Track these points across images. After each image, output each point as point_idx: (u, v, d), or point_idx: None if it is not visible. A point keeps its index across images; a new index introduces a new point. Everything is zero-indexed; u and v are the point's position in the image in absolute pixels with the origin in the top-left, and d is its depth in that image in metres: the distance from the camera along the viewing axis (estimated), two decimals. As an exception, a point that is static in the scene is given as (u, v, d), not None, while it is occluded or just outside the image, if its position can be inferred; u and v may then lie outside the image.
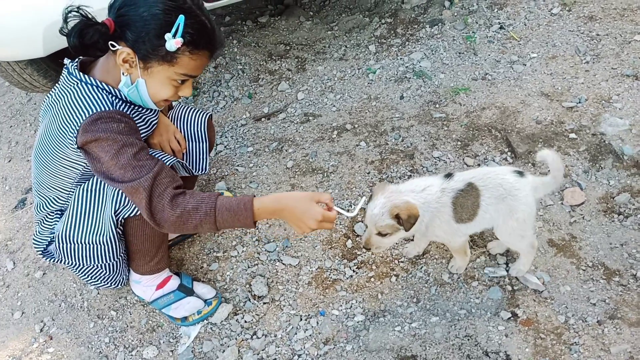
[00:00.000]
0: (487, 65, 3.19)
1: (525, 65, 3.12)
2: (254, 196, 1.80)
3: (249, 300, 2.32)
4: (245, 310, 2.30)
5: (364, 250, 2.40)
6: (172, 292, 2.28)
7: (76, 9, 1.68)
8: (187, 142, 2.36)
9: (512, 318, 2.10)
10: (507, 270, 2.24)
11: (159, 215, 1.75)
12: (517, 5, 3.51)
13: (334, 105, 3.16)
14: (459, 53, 3.30)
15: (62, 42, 2.66)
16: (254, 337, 2.21)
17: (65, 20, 1.68)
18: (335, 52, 3.55)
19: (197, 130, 2.39)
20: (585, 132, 2.67)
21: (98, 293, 2.43)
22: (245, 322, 2.26)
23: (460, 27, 3.46)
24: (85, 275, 2.15)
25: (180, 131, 2.34)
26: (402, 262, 2.36)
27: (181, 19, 1.66)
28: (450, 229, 2.02)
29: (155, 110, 2.06)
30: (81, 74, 1.84)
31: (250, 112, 3.25)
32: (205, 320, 2.27)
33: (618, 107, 2.74)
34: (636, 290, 2.14)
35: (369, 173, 2.72)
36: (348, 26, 3.74)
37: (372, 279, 2.31)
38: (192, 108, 2.41)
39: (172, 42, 1.67)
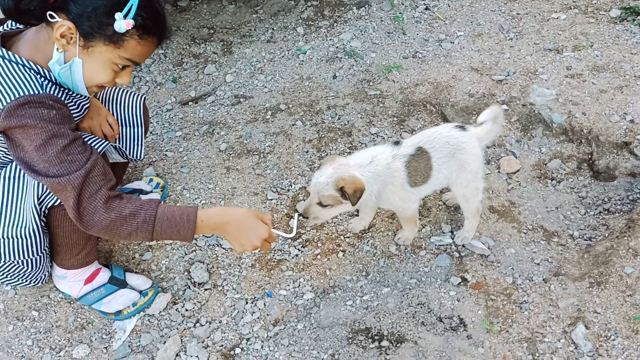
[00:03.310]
0: (416, 43, 3.21)
1: (453, 43, 3.17)
2: (198, 207, 1.67)
3: (189, 287, 2.16)
4: (185, 298, 2.13)
5: (308, 228, 2.32)
6: (103, 285, 2.08)
7: None
8: (120, 127, 2.16)
9: (462, 283, 2.09)
10: (453, 238, 2.24)
11: (87, 217, 1.58)
12: (440, -12, 3.57)
13: (266, 87, 3.05)
14: (388, 33, 3.30)
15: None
16: (197, 324, 2.05)
17: None
18: (262, 35, 3.44)
19: (132, 114, 2.19)
20: (516, 103, 2.74)
21: (15, 293, 2.17)
22: (186, 310, 2.10)
23: (387, 9, 3.47)
24: (0, 274, 1.91)
25: (113, 114, 2.13)
26: (347, 237, 2.29)
27: (135, 0, 1.51)
28: (404, 194, 2.00)
29: None
30: (3, 49, 1.61)
31: (176, 96, 3.07)
32: (141, 312, 2.09)
33: (544, 78, 2.84)
34: (575, 248, 2.21)
35: (307, 152, 2.64)
36: (273, 9, 3.64)
37: (319, 257, 2.23)
38: (124, 89, 2.21)
39: (123, 23, 1.51)
